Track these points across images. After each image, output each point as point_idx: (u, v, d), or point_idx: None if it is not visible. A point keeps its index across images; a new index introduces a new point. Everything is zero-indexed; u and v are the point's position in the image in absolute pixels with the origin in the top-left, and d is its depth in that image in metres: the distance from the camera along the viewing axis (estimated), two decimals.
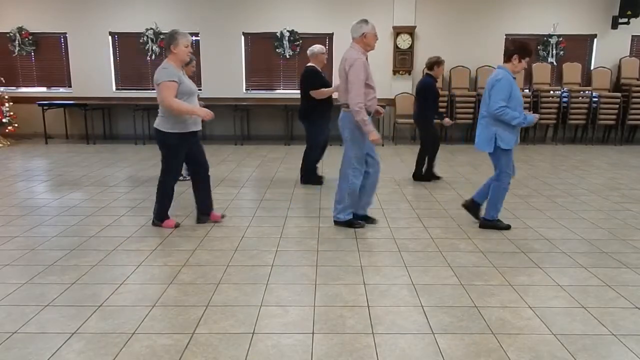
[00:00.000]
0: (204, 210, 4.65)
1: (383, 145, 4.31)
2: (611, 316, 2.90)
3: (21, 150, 8.98)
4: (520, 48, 4.20)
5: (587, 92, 10.03)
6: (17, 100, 9.86)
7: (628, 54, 10.29)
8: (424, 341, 2.62)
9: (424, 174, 6.52)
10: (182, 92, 4.17)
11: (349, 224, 4.53)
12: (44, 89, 10.46)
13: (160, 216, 4.54)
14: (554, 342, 2.61)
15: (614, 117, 9.93)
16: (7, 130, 9.46)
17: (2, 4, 10.09)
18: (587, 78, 10.37)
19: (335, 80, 6.42)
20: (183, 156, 4.39)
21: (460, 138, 10.25)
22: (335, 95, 5.19)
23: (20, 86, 10.42)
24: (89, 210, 5.09)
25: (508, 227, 4.54)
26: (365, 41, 4.28)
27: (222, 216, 4.78)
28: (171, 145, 4.28)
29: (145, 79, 10.41)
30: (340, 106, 4.42)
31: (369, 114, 4.26)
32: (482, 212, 4.61)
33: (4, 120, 9.39)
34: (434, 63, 6.25)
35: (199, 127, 4.39)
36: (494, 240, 4.23)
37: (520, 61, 4.20)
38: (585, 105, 9.96)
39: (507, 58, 4.24)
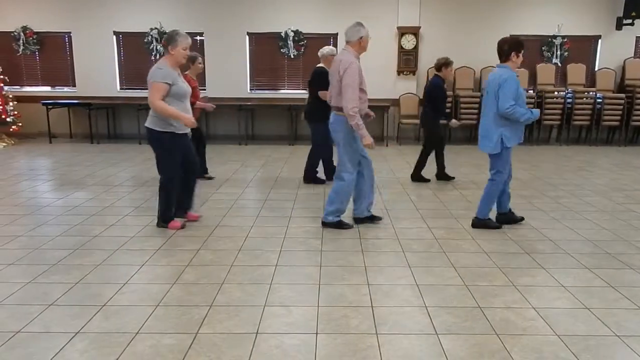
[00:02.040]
0: (185, 208, 4.62)
1: (373, 148, 4.32)
2: (615, 317, 2.90)
3: (25, 149, 9.01)
4: (514, 44, 4.27)
5: (591, 93, 10.01)
6: (21, 99, 9.91)
7: (632, 55, 10.26)
8: (427, 341, 2.62)
9: (437, 175, 6.58)
10: (175, 94, 4.13)
11: (338, 225, 4.50)
12: (48, 88, 10.50)
13: (165, 217, 4.49)
14: (557, 343, 2.61)
15: (618, 118, 9.89)
16: (11, 130, 9.50)
17: (7, 3, 10.13)
18: (591, 79, 10.33)
19: None
20: (178, 156, 4.32)
21: (464, 138, 10.24)
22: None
23: (24, 85, 10.46)
24: (93, 209, 5.10)
25: (499, 227, 4.56)
26: (362, 44, 4.28)
27: (199, 216, 4.76)
28: (165, 145, 4.23)
29: None
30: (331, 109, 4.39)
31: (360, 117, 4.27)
32: (469, 214, 4.61)
33: (8, 119, 9.43)
34: (442, 64, 6.26)
35: (187, 130, 4.33)
36: (498, 241, 4.22)
37: (518, 56, 4.28)
38: (590, 106, 9.93)
39: (506, 57, 4.29)
